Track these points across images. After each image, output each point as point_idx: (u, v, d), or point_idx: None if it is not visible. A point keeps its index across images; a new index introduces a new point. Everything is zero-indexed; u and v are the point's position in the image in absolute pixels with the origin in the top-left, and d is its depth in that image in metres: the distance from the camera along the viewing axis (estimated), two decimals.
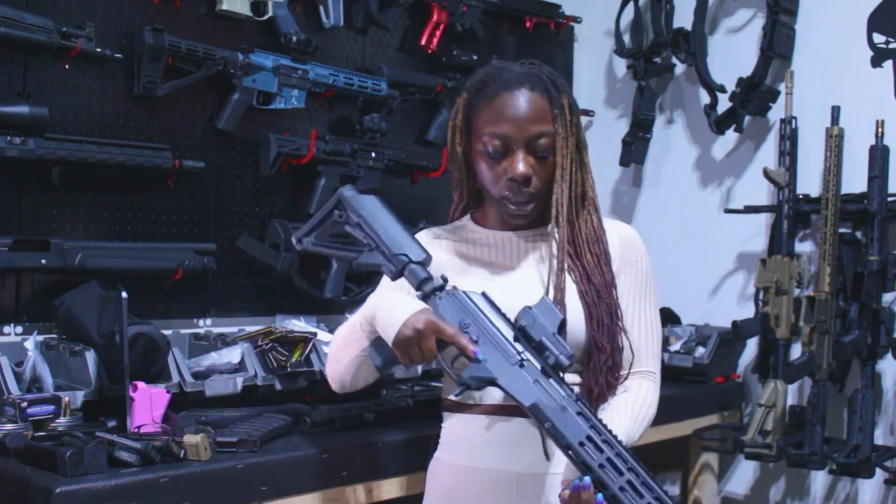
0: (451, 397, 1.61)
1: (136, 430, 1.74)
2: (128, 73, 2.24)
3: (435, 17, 2.85)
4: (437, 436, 1.68)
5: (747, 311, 2.87)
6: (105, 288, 2.01)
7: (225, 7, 2.37)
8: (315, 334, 2.24)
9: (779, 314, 2.71)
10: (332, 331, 2.41)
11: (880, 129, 2.61)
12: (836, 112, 2.65)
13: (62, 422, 1.77)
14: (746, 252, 3.04)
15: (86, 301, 1.98)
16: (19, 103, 2.02)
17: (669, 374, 2.89)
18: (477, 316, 1.42)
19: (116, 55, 2.18)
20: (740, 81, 2.89)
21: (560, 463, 1.52)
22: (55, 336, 2.04)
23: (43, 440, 1.64)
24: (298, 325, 2.44)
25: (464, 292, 1.44)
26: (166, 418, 1.84)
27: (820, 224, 2.63)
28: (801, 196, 2.78)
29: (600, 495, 1.33)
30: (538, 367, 1.38)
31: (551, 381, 1.38)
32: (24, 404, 1.72)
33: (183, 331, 2.30)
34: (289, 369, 2.14)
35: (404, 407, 2.12)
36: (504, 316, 1.43)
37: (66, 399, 1.80)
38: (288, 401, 2.13)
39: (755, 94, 2.88)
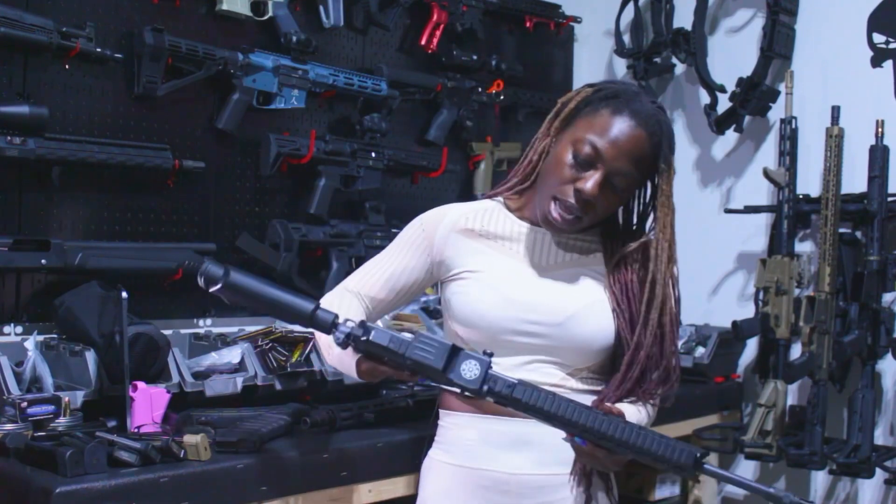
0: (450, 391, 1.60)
1: (136, 430, 1.74)
2: (128, 73, 2.24)
3: (435, 17, 2.85)
4: (432, 434, 1.68)
5: (747, 311, 2.87)
6: (105, 288, 2.01)
7: (225, 7, 2.37)
8: (315, 334, 2.24)
9: (779, 314, 2.71)
10: None
11: (880, 129, 2.61)
12: (836, 112, 2.65)
13: (62, 422, 1.76)
14: (746, 252, 3.04)
15: (86, 301, 1.98)
16: (19, 103, 2.02)
17: None
18: (392, 356, 1.39)
19: (116, 55, 2.18)
20: (740, 81, 2.89)
21: (554, 465, 1.52)
22: (55, 336, 2.03)
23: (43, 440, 1.64)
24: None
25: (364, 343, 1.38)
26: (166, 418, 1.84)
27: (820, 224, 2.63)
28: (801, 196, 2.78)
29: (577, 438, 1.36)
30: None
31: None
32: (24, 404, 1.72)
33: (183, 331, 2.30)
34: (289, 369, 2.14)
35: (404, 407, 2.13)
36: (403, 359, 1.38)
37: (66, 399, 1.80)
38: (288, 401, 2.12)
39: (755, 94, 2.88)
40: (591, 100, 1.56)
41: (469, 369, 1.34)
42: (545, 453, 1.54)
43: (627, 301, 1.56)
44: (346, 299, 1.67)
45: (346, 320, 1.38)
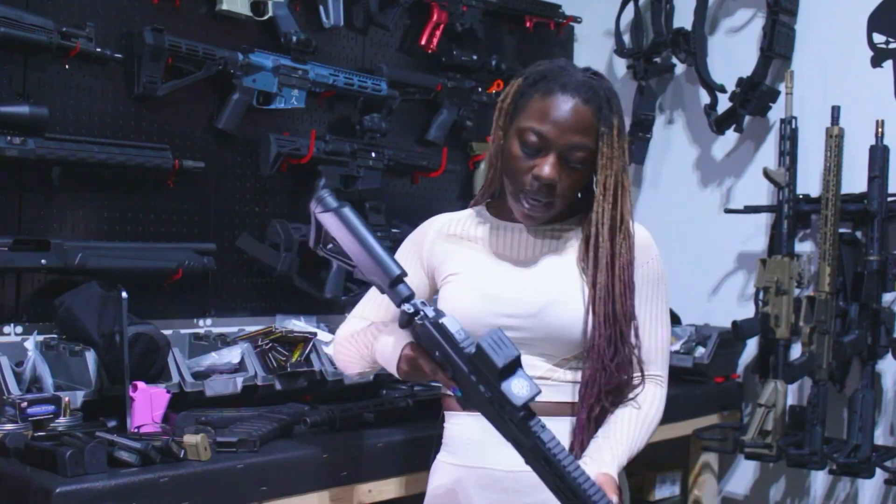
0: (448, 393, 1.61)
1: (136, 430, 1.74)
2: (128, 73, 2.24)
3: (435, 17, 2.85)
4: (440, 436, 1.68)
5: (747, 311, 2.87)
6: (105, 288, 2.01)
7: (225, 7, 2.37)
8: (315, 334, 2.24)
9: (779, 314, 2.71)
10: (332, 331, 2.41)
11: (880, 129, 2.61)
12: (836, 112, 2.65)
13: (62, 422, 1.76)
14: (746, 252, 3.04)
15: (86, 301, 1.98)
16: (19, 103, 2.02)
17: (670, 374, 2.89)
18: (444, 351, 1.38)
19: (116, 55, 2.18)
20: (740, 81, 2.89)
21: None
22: (55, 336, 2.04)
23: (43, 440, 1.64)
24: (298, 325, 2.44)
25: (430, 324, 1.39)
26: (166, 418, 1.84)
27: (820, 224, 2.63)
28: (801, 196, 2.78)
29: None
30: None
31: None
32: (24, 404, 1.72)
33: (183, 331, 2.30)
34: (289, 369, 2.14)
35: (404, 407, 2.12)
36: (464, 351, 1.37)
37: (66, 399, 1.80)
38: (288, 401, 2.13)
39: (755, 94, 2.88)
40: (523, 89, 1.59)
41: (521, 387, 1.31)
42: None
43: (610, 302, 1.55)
44: (362, 325, 1.68)
45: (423, 301, 1.40)
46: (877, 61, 2.77)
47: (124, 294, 1.81)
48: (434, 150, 2.89)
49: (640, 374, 1.59)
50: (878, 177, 2.61)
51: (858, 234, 2.70)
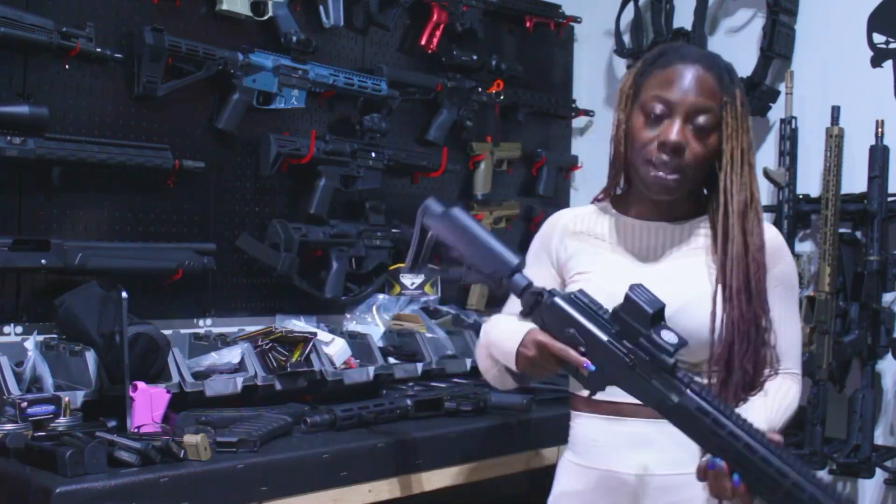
0: (579, 393, 1.58)
1: (136, 430, 1.74)
2: (128, 73, 2.24)
3: (435, 17, 2.85)
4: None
5: None
6: (105, 288, 2.01)
7: (225, 7, 2.37)
8: (315, 334, 2.25)
9: None
10: (332, 330, 2.42)
11: (880, 129, 2.61)
12: (836, 112, 2.65)
13: (62, 422, 1.77)
14: None
15: (86, 301, 1.98)
16: (19, 103, 2.02)
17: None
18: (577, 323, 1.38)
19: (116, 55, 2.18)
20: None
21: (679, 464, 1.50)
22: (55, 336, 2.04)
23: (43, 440, 1.64)
24: (298, 325, 2.44)
25: (560, 299, 1.40)
26: (166, 418, 1.84)
27: (820, 224, 2.63)
28: (801, 196, 2.78)
29: (736, 476, 1.30)
30: (648, 363, 1.34)
31: (664, 375, 1.34)
32: (24, 404, 1.72)
33: (183, 331, 2.30)
34: (289, 369, 2.15)
35: (404, 407, 2.13)
36: (601, 317, 1.38)
37: (66, 399, 1.80)
38: (288, 401, 2.13)
39: (755, 94, 2.87)
40: (642, 70, 1.59)
41: (669, 336, 1.32)
42: (669, 452, 1.52)
43: (744, 290, 1.52)
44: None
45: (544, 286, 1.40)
46: (877, 61, 2.77)
47: (124, 294, 1.81)
48: (434, 150, 2.88)
49: (773, 371, 1.56)
50: (878, 177, 2.61)
51: (858, 234, 2.70)
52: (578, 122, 3.47)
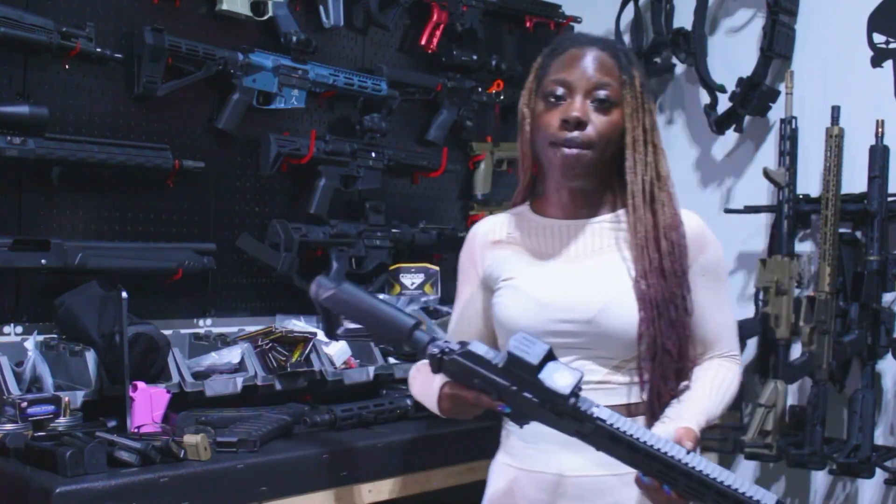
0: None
1: (136, 430, 1.74)
2: (128, 73, 2.24)
3: (435, 17, 2.85)
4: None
5: (747, 311, 2.87)
6: (105, 288, 2.01)
7: (225, 7, 2.37)
8: (315, 334, 2.24)
9: (779, 314, 2.71)
10: None
11: (880, 129, 2.61)
12: (836, 112, 2.65)
13: (62, 422, 1.77)
14: (746, 252, 3.04)
15: (86, 301, 1.98)
16: (19, 103, 2.02)
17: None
18: (480, 375, 1.37)
19: (116, 55, 2.18)
20: (740, 81, 2.89)
21: (614, 464, 1.50)
22: (55, 336, 2.04)
23: (43, 440, 1.64)
24: (298, 325, 2.44)
25: (458, 356, 1.38)
26: (166, 418, 1.84)
27: (820, 224, 2.63)
28: (801, 196, 2.78)
29: (666, 486, 1.31)
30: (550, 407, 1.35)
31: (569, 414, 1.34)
32: (24, 404, 1.72)
33: (183, 331, 2.30)
34: (289, 369, 2.15)
35: (404, 407, 2.12)
36: (494, 366, 1.37)
37: (66, 399, 1.80)
38: (288, 401, 2.13)
39: (755, 94, 2.87)
40: (542, 63, 1.61)
41: (563, 377, 1.31)
42: (599, 453, 1.52)
43: (660, 274, 1.52)
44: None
45: (445, 340, 1.39)
46: (877, 61, 2.77)
47: (124, 294, 1.81)
48: (434, 150, 2.88)
49: (706, 355, 1.57)
50: (878, 177, 2.61)
51: (858, 234, 2.70)
52: None
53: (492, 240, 1.65)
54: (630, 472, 1.42)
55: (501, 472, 1.63)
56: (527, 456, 1.58)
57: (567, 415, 1.32)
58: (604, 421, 1.30)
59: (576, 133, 1.51)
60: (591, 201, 1.60)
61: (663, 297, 1.51)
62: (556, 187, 1.61)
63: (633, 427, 1.30)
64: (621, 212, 1.60)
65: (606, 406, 1.47)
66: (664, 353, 1.51)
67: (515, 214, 1.67)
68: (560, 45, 1.60)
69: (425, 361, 1.50)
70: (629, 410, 1.53)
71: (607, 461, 1.47)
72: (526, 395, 1.33)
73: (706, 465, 1.27)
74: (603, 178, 1.59)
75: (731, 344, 1.63)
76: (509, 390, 1.34)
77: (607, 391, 1.53)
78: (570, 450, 1.51)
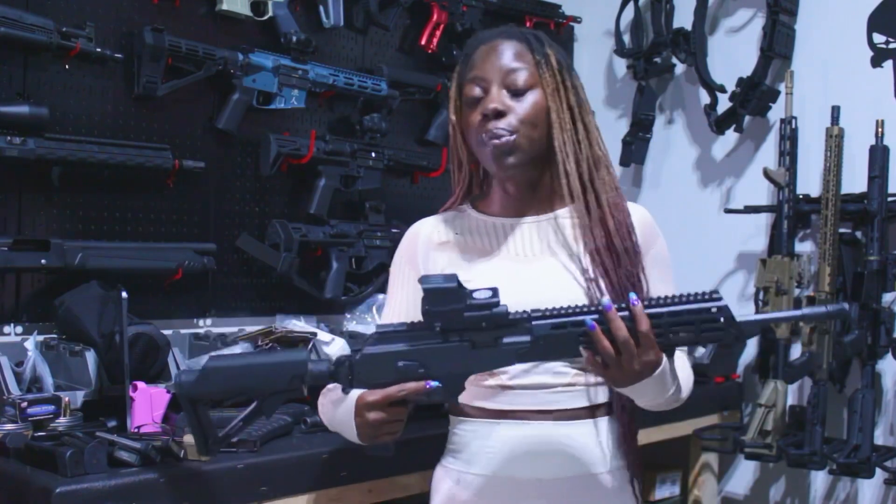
0: (462, 402, 1.54)
1: (136, 430, 1.74)
2: (128, 73, 2.24)
3: (435, 17, 2.85)
4: (445, 439, 1.63)
5: (747, 311, 2.87)
6: (105, 288, 2.01)
7: (225, 7, 2.37)
8: (315, 334, 2.24)
9: None
10: (332, 330, 2.41)
11: (880, 129, 2.61)
12: (836, 112, 2.65)
13: (62, 422, 1.76)
14: (746, 252, 3.04)
15: (86, 301, 1.98)
16: (19, 103, 2.02)
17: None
18: (399, 351, 1.35)
19: (116, 55, 2.18)
20: (740, 81, 2.89)
21: (584, 465, 1.50)
22: (55, 336, 2.04)
23: (43, 440, 1.64)
24: (298, 325, 2.44)
25: (367, 346, 1.36)
26: (166, 418, 1.84)
27: (820, 224, 2.63)
28: (801, 196, 2.78)
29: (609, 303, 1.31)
30: (487, 335, 1.33)
31: (504, 332, 1.33)
32: (24, 404, 1.72)
33: (183, 331, 2.30)
34: None
35: None
36: (414, 330, 1.36)
37: (66, 399, 1.80)
38: (288, 401, 2.12)
39: (755, 94, 2.88)
40: (460, 71, 1.61)
41: (481, 293, 1.31)
42: (574, 454, 1.51)
43: (613, 257, 1.51)
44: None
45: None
46: (877, 61, 2.77)
47: (124, 294, 1.81)
48: (434, 150, 2.89)
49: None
50: (878, 177, 2.61)
51: (858, 234, 2.70)
52: None
53: (437, 241, 1.62)
54: (602, 473, 1.45)
55: (461, 482, 1.57)
56: (495, 462, 1.52)
57: (504, 329, 1.31)
58: (539, 316, 1.31)
59: (498, 123, 1.50)
60: (539, 196, 1.59)
61: (619, 281, 1.49)
62: (501, 184, 1.59)
63: (563, 308, 1.31)
64: (573, 206, 1.57)
65: (571, 409, 1.47)
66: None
67: (458, 216, 1.65)
68: (470, 46, 1.60)
69: (331, 387, 1.47)
70: (593, 412, 1.52)
71: (578, 461, 1.48)
72: (455, 335, 1.31)
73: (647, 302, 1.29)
74: (546, 168, 1.57)
75: None
76: (437, 348, 1.32)
77: (573, 394, 1.51)
78: (542, 452, 1.50)
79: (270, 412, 1.41)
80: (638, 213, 1.60)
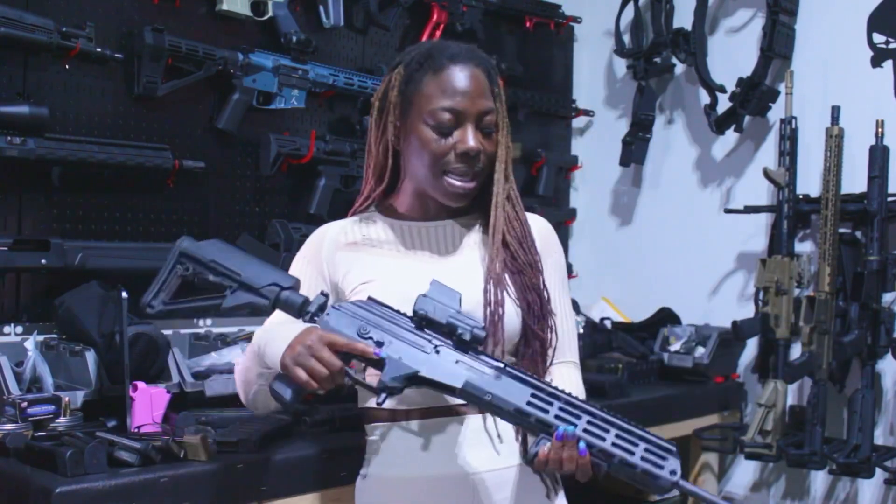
0: (373, 405, 1.50)
1: (136, 430, 1.74)
2: (128, 73, 2.24)
3: (435, 17, 2.85)
4: (362, 451, 1.60)
5: (747, 311, 2.87)
6: (105, 288, 2.01)
7: (225, 7, 2.37)
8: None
9: (779, 314, 2.71)
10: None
11: (880, 129, 2.61)
12: (836, 112, 2.65)
13: (62, 422, 1.77)
14: (746, 252, 3.05)
15: (86, 301, 1.98)
16: (19, 103, 2.02)
17: (669, 374, 2.90)
18: (372, 319, 1.37)
19: (116, 55, 2.18)
20: (740, 81, 2.89)
21: (509, 457, 1.51)
22: (55, 336, 2.04)
23: (43, 440, 1.64)
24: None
25: (351, 302, 1.39)
26: (166, 418, 1.84)
27: (820, 224, 2.63)
28: (801, 196, 2.78)
29: (582, 444, 1.28)
30: (454, 348, 1.35)
31: (472, 356, 1.34)
32: (24, 404, 1.72)
33: (183, 331, 2.30)
34: None
35: None
36: (399, 312, 1.39)
37: (66, 399, 1.80)
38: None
39: (755, 94, 2.88)
40: (410, 76, 1.54)
41: (474, 319, 1.36)
42: (502, 445, 1.51)
43: (519, 269, 1.54)
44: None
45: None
46: (877, 61, 2.77)
47: (124, 294, 1.81)
48: None
49: (555, 358, 1.57)
50: (878, 177, 2.61)
51: (858, 234, 2.70)
52: (578, 122, 3.48)
53: (344, 242, 1.60)
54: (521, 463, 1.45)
55: (387, 487, 1.55)
56: (421, 462, 1.51)
57: (472, 353, 1.34)
58: (512, 366, 1.35)
59: (472, 164, 1.51)
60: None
61: (523, 285, 1.53)
62: (421, 195, 1.58)
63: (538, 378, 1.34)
64: (477, 213, 1.60)
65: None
66: (534, 339, 1.52)
67: (365, 218, 1.63)
68: (430, 58, 1.53)
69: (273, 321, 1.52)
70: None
71: (507, 453, 1.49)
72: (427, 332, 1.35)
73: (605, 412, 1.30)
74: None
75: (573, 351, 1.62)
76: (407, 333, 1.35)
77: None
78: (469, 446, 1.50)
79: (231, 304, 1.44)
80: (540, 222, 1.65)
